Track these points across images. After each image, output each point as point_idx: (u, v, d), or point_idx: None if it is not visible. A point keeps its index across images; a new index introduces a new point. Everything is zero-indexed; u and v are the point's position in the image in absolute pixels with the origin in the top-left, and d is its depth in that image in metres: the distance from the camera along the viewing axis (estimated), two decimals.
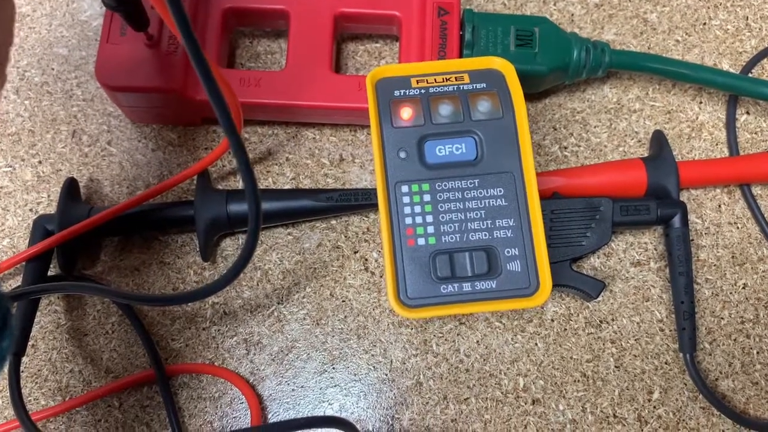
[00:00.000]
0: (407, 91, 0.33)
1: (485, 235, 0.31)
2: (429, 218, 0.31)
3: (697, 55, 0.42)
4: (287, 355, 0.36)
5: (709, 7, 0.43)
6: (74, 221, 0.35)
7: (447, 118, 0.32)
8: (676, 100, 0.41)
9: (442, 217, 0.31)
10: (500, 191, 0.31)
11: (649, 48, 0.42)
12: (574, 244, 0.35)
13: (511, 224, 0.31)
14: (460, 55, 0.37)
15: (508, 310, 0.37)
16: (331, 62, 0.38)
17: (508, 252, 0.31)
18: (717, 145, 0.40)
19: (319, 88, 0.37)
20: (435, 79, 0.33)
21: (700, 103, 0.41)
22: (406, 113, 0.32)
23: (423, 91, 0.33)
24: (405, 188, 0.31)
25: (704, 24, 0.42)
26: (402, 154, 0.32)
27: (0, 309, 0.19)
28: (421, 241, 0.31)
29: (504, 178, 0.31)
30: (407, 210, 0.31)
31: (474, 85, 0.33)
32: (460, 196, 0.31)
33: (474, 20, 0.37)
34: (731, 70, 0.41)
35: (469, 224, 0.31)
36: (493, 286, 0.30)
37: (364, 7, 0.38)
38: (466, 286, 0.30)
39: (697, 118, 0.40)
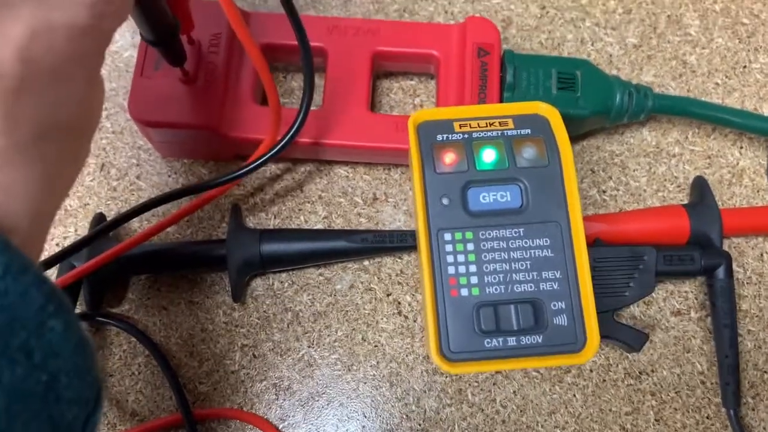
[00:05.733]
0: (450, 136, 0.32)
1: (531, 286, 0.30)
2: (472, 268, 0.30)
3: (737, 98, 0.41)
4: (317, 401, 0.35)
5: (749, 50, 0.42)
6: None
7: (491, 165, 0.31)
8: (716, 145, 0.40)
9: (486, 267, 0.30)
10: (546, 241, 0.30)
11: (688, 91, 0.41)
12: (617, 294, 0.34)
13: (557, 276, 0.30)
14: (501, 98, 0.36)
15: None
16: (368, 101, 0.37)
17: (554, 305, 0.30)
18: (758, 191, 0.39)
19: (356, 127, 0.36)
20: (478, 124, 0.32)
21: (741, 148, 0.40)
22: (449, 158, 0.31)
23: (466, 135, 0.32)
24: (448, 236, 0.30)
25: (744, 67, 0.42)
26: (445, 201, 0.31)
27: (95, 385, 0.20)
28: (464, 292, 0.30)
29: (550, 227, 0.30)
30: (450, 259, 0.30)
31: (518, 130, 0.32)
32: (504, 246, 0.30)
33: (515, 62, 0.37)
34: None
35: (514, 275, 0.30)
36: (540, 341, 0.29)
37: (402, 46, 0.37)
38: (511, 341, 0.29)
39: (737, 163, 0.40)
